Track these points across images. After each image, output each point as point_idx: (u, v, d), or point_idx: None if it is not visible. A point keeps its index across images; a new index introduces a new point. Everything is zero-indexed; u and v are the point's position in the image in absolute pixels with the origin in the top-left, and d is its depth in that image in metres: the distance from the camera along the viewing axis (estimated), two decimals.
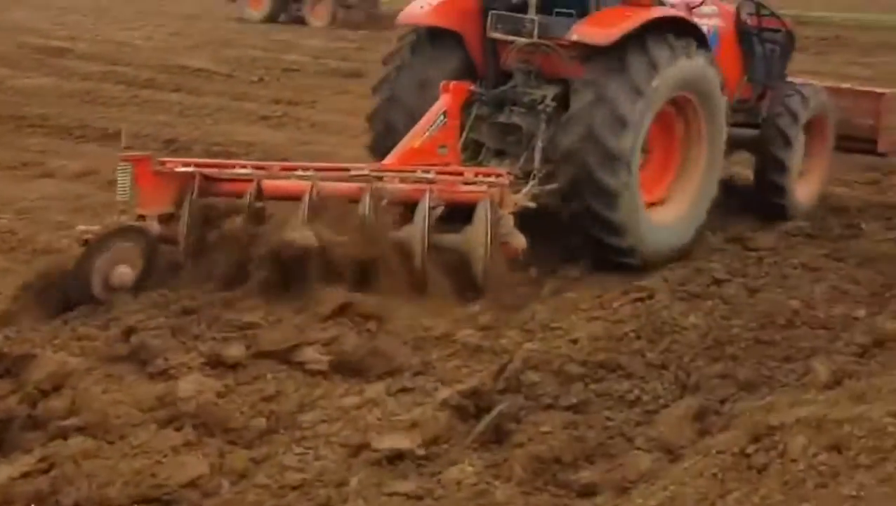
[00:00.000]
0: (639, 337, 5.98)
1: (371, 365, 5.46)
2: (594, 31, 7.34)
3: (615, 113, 7.17)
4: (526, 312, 6.47)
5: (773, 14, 9.25)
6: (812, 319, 6.50)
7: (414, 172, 7.05)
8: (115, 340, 5.47)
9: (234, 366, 5.24)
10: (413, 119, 7.63)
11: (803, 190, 9.08)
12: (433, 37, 8.06)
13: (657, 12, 7.51)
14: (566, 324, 6.24)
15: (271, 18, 26.38)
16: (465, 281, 6.72)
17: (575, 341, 5.90)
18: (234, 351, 5.30)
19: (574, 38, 7.37)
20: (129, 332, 5.49)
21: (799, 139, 8.90)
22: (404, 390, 5.26)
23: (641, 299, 6.60)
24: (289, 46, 20.63)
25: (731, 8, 8.91)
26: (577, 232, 7.53)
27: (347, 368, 5.44)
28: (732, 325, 6.30)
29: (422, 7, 8.07)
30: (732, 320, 6.38)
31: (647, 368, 5.66)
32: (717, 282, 7.06)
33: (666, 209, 7.90)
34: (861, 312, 6.67)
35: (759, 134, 8.89)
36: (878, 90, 9.90)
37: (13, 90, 13.98)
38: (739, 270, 7.43)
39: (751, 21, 9.09)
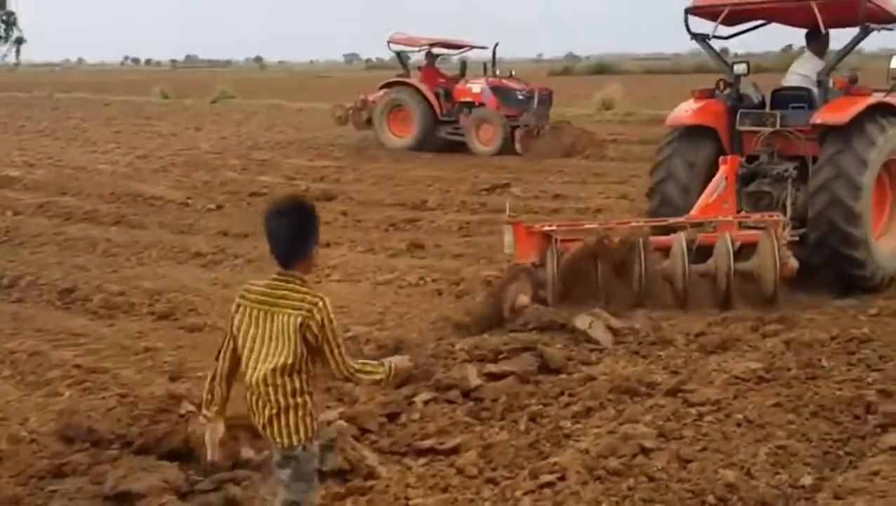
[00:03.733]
0: None
1: None
2: (832, 115, 10.31)
3: (851, 182, 10.08)
4: None
5: None
6: (749, 495, 5.63)
7: (716, 218, 10.06)
8: None
9: None
10: (686, 193, 10.79)
11: None
12: (694, 131, 11.07)
13: (874, 99, 10.40)
14: None
15: (421, 145, 22.67)
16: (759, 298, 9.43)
17: None
18: None
19: (817, 121, 10.40)
20: None
21: None
22: None
23: (550, 484, 5.73)
24: (267, 167, 19.81)
25: None
26: (826, 271, 10.28)
27: None
28: None
29: (685, 111, 11.21)
30: (654, 505, 5.52)
31: None
32: (645, 451, 6.16)
33: (883, 242, 10.86)
34: (808, 480, 5.84)
35: None
36: None
37: None
38: (674, 432, 6.53)
39: None
